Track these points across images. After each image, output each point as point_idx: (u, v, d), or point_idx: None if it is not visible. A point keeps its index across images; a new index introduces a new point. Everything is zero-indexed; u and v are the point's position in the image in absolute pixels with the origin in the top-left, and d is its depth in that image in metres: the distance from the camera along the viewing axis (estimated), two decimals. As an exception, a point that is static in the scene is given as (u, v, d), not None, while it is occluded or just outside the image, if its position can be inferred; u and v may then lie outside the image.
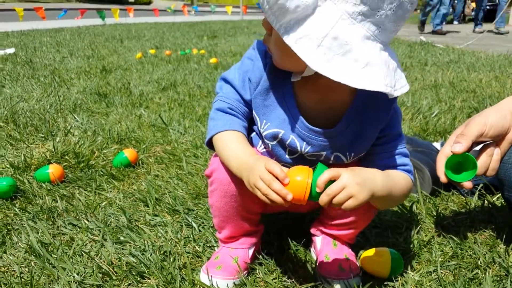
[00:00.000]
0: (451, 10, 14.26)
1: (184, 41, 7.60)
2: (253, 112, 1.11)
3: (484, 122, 1.18)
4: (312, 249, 1.32)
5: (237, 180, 1.10)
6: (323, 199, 0.88)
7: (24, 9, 10.12)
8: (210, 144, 1.12)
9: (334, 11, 0.83)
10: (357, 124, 1.06)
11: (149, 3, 35.81)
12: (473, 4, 15.30)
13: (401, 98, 3.21)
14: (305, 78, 1.00)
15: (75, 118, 2.71)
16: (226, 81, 1.15)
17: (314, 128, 1.05)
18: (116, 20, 12.33)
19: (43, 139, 2.32)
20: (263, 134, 1.10)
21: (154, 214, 1.54)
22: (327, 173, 0.88)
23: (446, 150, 1.22)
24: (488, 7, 15.26)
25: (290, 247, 1.32)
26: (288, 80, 1.04)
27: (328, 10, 0.83)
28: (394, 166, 1.09)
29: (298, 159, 1.10)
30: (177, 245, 1.34)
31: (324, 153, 1.08)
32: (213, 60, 5.06)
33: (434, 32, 9.61)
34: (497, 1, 9.92)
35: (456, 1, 13.89)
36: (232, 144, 1.05)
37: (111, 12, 12.64)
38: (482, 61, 5.11)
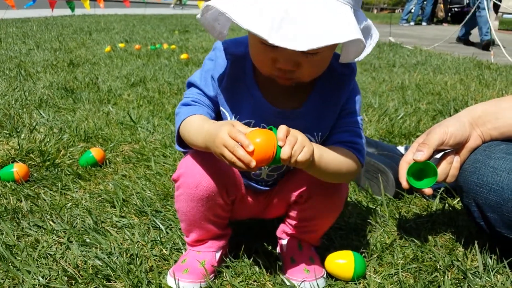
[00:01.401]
0: (420, 11, 14.56)
1: (154, 35, 7.52)
2: (221, 108, 1.16)
3: (445, 131, 1.23)
4: (278, 252, 1.34)
5: (204, 185, 1.12)
6: (286, 151, 0.92)
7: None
8: (181, 143, 1.15)
9: (358, 15, 0.96)
10: (321, 103, 1.13)
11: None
12: (442, 6, 15.66)
13: (369, 99, 3.27)
14: None
15: (41, 114, 2.65)
16: (189, 84, 1.21)
17: (282, 110, 1.12)
18: (88, 10, 12.07)
19: (7, 135, 2.27)
20: None
21: (121, 215, 1.53)
22: (284, 127, 0.94)
23: (408, 157, 1.26)
24: (456, 9, 15.64)
25: (257, 250, 1.34)
26: (249, 75, 1.12)
27: (359, 18, 0.96)
28: (341, 142, 1.14)
29: None
30: (144, 248, 1.34)
31: None
32: (184, 56, 5.03)
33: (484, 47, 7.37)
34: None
35: (425, 2, 14.18)
36: (197, 123, 1.08)
37: (80, 2, 12.36)
38: (448, 64, 5.25)
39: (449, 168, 1.27)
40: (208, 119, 1.09)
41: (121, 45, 5.86)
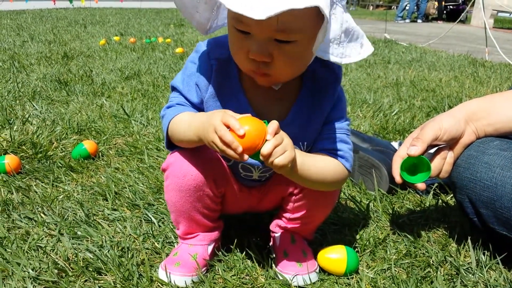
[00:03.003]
0: (415, 8, 14.57)
1: (149, 29, 7.49)
2: None
3: (439, 126, 1.23)
4: (271, 246, 1.33)
5: (192, 175, 1.12)
6: (268, 147, 0.91)
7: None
8: (171, 145, 1.15)
9: (339, 10, 0.94)
10: (306, 112, 1.12)
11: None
12: (436, 3, 15.69)
13: (364, 95, 3.27)
14: None
15: (33, 106, 2.63)
16: (173, 88, 1.18)
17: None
18: (82, 4, 12.01)
19: (-1, 127, 2.25)
20: None
21: (113, 208, 1.52)
22: (276, 123, 0.94)
23: (402, 152, 1.26)
24: (451, 7, 15.67)
25: (249, 243, 1.33)
26: (234, 79, 1.10)
27: (337, 12, 0.94)
28: (326, 150, 1.13)
29: None
30: (136, 241, 1.33)
31: None
32: (179, 50, 5.00)
33: None
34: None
35: (420, 0, 14.20)
36: (187, 117, 1.07)
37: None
38: (443, 61, 5.25)
39: (442, 163, 1.27)
40: (198, 113, 1.08)
41: (116, 38, 5.82)
